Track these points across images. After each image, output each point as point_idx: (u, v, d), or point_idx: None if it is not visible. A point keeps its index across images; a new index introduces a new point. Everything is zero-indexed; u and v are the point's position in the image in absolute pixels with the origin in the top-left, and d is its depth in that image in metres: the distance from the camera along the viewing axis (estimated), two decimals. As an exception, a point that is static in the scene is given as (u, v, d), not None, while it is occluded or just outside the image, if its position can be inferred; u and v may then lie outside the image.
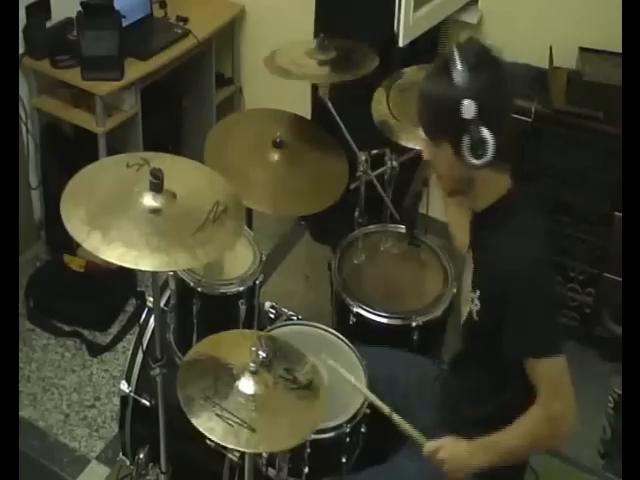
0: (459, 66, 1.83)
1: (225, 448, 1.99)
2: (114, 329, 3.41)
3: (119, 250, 1.83)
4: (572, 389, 1.93)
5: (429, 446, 2.02)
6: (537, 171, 3.19)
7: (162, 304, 2.50)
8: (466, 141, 1.86)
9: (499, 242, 1.94)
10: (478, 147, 1.86)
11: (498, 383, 2.02)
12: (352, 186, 2.80)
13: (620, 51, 2.64)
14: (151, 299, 2.36)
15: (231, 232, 1.99)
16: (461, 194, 2.02)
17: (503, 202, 1.96)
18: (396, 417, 2.08)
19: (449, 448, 2.00)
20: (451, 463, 2.00)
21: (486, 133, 1.84)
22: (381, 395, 2.20)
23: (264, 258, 2.52)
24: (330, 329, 2.42)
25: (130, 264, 1.83)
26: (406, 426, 2.06)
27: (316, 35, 3.20)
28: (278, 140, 2.69)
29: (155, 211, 1.93)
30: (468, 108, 1.82)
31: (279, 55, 2.78)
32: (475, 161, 1.87)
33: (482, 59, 1.87)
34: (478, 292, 1.99)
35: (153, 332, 2.35)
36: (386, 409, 2.09)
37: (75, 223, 1.87)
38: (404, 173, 2.74)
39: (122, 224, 1.88)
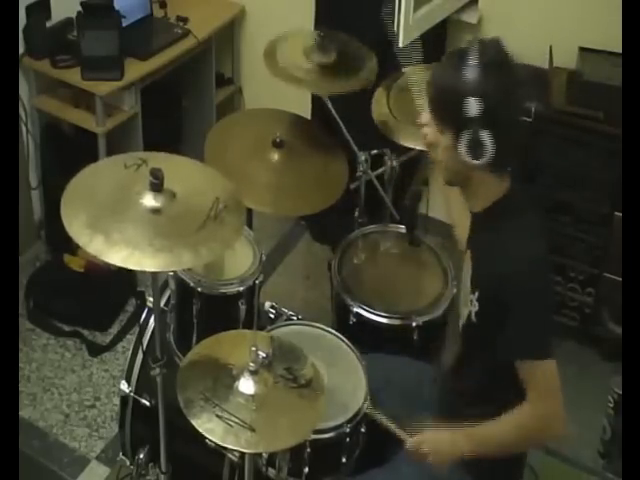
0: (473, 62, 1.82)
1: (225, 448, 1.99)
2: (114, 329, 3.41)
3: (123, 252, 1.83)
4: (560, 394, 1.92)
5: (411, 442, 2.05)
6: (537, 171, 3.19)
7: (162, 304, 2.50)
8: (465, 138, 1.86)
9: (497, 244, 1.94)
10: (476, 147, 1.86)
11: (496, 384, 2.01)
12: (352, 186, 2.80)
13: (620, 51, 2.64)
14: (151, 299, 2.36)
15: (233, 228, 1.99)
16: (458, 186, 2.02)
17: (500, 204, 1.96)
18: (377, 414, 2.13)
19: (431, 440, 2.03)
20: (435, 454, 2.02)
21: (486, 135, 1.84)
22: (378, 397, 2.22)
23: (264, 258, 2.52)
24: (330, 329, 2.42)
25: (134, 266, 1.84)
26: (389, 424, 2.10)
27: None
28: (278, 140, 2.69)
29: (156, 211, 1.93)
30: (472, 106, 1.82)
31: (280, 53, 2.77)
32: (471, 160, 1.87)
33: (498, 62, 1.86)
34: (477, 293, 1.99)
35: (153, 332, 2.35)
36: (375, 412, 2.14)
37: (77, 227, 1.87)
38: (404, 173, 2.74)
39: (124, 225, 1.88)
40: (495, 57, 1.85)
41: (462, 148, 1.87)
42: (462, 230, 2.22)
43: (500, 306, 1.90)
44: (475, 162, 1.87)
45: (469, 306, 2.02)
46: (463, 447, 2.00)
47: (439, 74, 1.92)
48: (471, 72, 1.82)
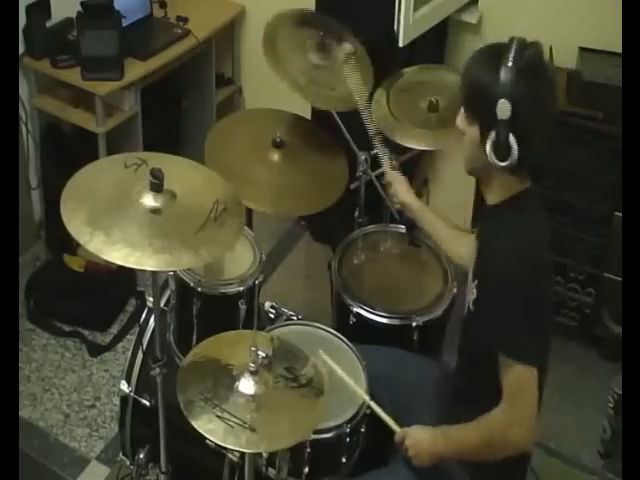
0: (510, 63, 1.82)
1: (225, 448, 1.99)
2: (114, 329, 3.41)
3: (123, 251, 1.83)
4: (534, 405, 1.90)
5: (398, 433, 2.08)
6: (537, 171, 3.19)
7: (162, 304, 2.50)
8: (492, 137, 1.85)
9: (499, 236, 1.94)
10: (501, 149, 1.85)
11: (493, 384, 2.00)
12: (352, 186, 2.80)
13: (620, 51, 2.64)
14: (151, 299, 2.36)
15: (232, 230, 1.99)
16: (476, 177, 2.01)
17: (513, 201, 1.96)
18: (373, 404, 2.14)
19: (414, 435, 2.05)
20: (414, 449, 2.04)
21: (512, 140, 1.83)
22: (380, 393, 2.21)
23: (264, 258, 2.52)
24: (330, 329, 2.42)
25: (134, 265, 1.84)
26: (382, 414, 2.13)
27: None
28: (278, 140, 2.69)
29: (156, 211, 1.93)
30: (503, 107, 1.82)
31: (281, 52, 2.76)
32: (495, 161, 1.87)
33: (534, 67, 1.86)
34: (476, 281, 1.99)
35: (153, 332, 2.35)
36: (364, 396, 2.16)
37: (77, 225, 1.87)
38: (404, 173, 2.73)
39: (124, 225, 1.88)
40: (532, 63, 1.85)
41: (487, 146, 1.86)
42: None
43: (490, 295, 1.90)
44: (498, 163, 1.87)
45: (471, 295, 2.02)
46: (440, 447, 2.01)
47: (473, 67, 1.91)
48: (506, 73, 1.81)
